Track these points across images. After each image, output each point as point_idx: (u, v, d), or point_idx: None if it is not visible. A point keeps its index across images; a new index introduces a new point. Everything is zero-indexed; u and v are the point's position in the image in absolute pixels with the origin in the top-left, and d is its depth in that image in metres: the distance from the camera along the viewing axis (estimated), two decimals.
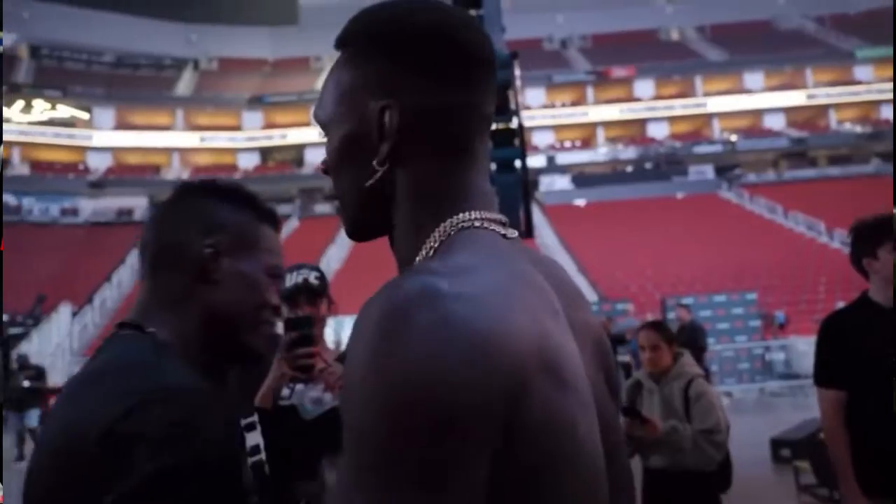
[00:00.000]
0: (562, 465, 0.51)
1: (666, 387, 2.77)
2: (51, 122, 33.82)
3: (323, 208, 32.18)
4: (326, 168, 0.67)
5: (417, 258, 0.60)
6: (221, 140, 36.52)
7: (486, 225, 0.61)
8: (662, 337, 2.83)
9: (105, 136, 34.86)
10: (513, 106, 7.48)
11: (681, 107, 36.19)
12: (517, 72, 7.87)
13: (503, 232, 0.62)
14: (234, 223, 0.86)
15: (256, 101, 36.92)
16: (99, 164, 34.60)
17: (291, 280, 1.87)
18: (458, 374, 0.47)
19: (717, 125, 36.03)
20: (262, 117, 37.19)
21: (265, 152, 37.16)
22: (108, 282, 24.98)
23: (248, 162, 36.56)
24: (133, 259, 28.71)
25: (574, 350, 0.56)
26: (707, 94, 36.13)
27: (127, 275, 26.67)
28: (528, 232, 7.52)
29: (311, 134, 36.48)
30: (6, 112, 32.71)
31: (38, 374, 9.79)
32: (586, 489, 0.53)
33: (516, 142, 7.44)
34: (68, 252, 27.58)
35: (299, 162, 36.82)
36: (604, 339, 0.68)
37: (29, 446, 9.31)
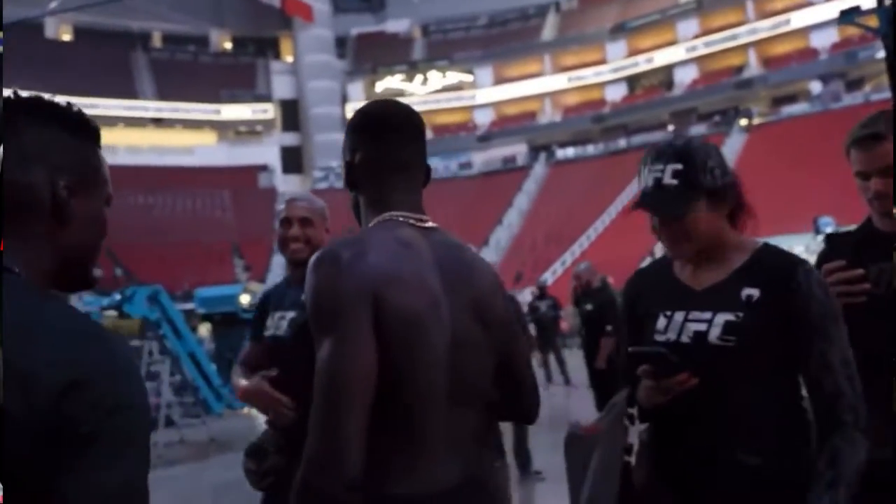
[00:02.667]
0: (412, 331, 1.03)
1: None
2: (443, 90, 38.55)
3: (698, 129, 30.15)
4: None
5: None
6: (587, 76, 36.84)
7: (399, 219, 1.13)
8: None
9: (486, 93, 38.30)
10: None
11: None
12: None
13: (414, 223, 1.14)
14: (79, 158, 0.84)
15: (619, 30, 36.11)
16: (484, 119, 38.29)
17: None
18: (336, 282, 1.02)
19: None
20: (625, 46, 36.28)
21: (631, 81, 36.28)
22: (499, 224, 27.75)
23: (615, 94, 36.23)
24: (520, 202, 31.29)
25: (427, 280, 1.07)
26: None
27: (515, 216, 29.22)
28: None
29: (678, 52, 34.23)
30: (410, 87, 38.39)
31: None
32: (431, 350, 1.05)
33: None
34: (466, 200, 31.38)
35: (668, 84, 35.01)
36: (483, 292, 1.14)
37: None
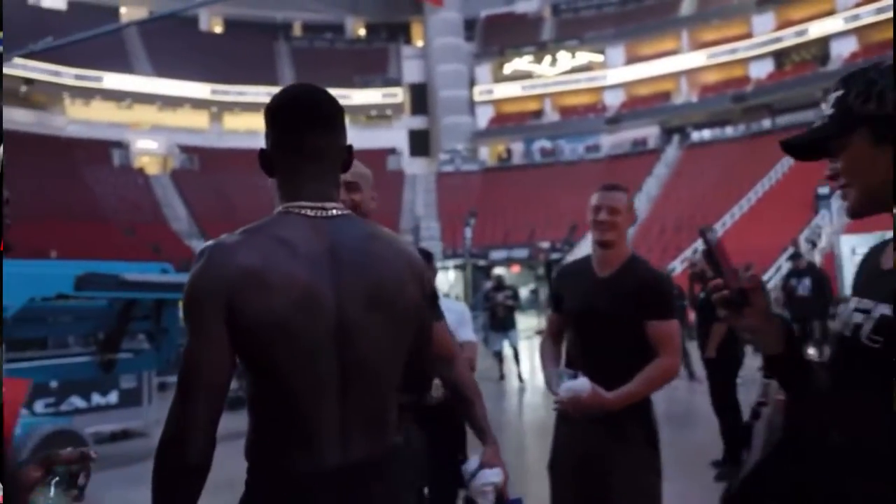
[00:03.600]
0: (276, 329, 1.06)
1: None
2: (572, 70, 37.64)
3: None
4: None
5: None
6: (729, 53, 34.47)
7: (292, 210, 1.15)
8: None
9: (617, 73, 36.94)
10: None
11: None
12: None
13: (311, 214, 1.15)
14: None
15: (766, 1, 33.41)
16: (614, 100, 37.00)
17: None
18: (197, 279, 1.08)
19: None
20: (773, 17, 33.52)
21: (780, 56, 33.50)
22: None
23: (759, 70, 33.64)
24: (649, 186, 30.06)
25: (298, 276, 1.09)
26: None
27: (643, 202, 28.10)
28: None
29: (836, 23, 31.15)
30: (538, 68, 37.83)
31: (514, 294, 10.92)
32: (306, 343, 1.08)
33: None
34: (593, 184, 30.49)
35: (822, 59, 31.99)
36: (384, 279, 1.16)
37: (507, 367, 10.36)
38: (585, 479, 2.18)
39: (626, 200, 2.28)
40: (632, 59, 36.72)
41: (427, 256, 3.44)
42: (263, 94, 36.41)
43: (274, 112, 1.18)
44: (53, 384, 6.37)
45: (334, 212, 1.17)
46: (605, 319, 2.20)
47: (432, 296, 1.71)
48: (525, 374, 10.03)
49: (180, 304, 1.21)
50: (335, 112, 1.21)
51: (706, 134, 33.21)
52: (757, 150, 27.69)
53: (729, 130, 32.72)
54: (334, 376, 1.09)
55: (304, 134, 1.16)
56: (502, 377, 10.16)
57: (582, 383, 2.11)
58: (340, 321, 1.09)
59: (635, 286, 2.19)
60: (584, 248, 22.02)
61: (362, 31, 41.95)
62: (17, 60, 28.44)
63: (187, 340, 1.08)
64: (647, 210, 27.83)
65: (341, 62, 37.92)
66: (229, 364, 1.08)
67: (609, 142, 35.51)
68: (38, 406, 6.34)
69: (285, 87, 1.23)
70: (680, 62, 35.39)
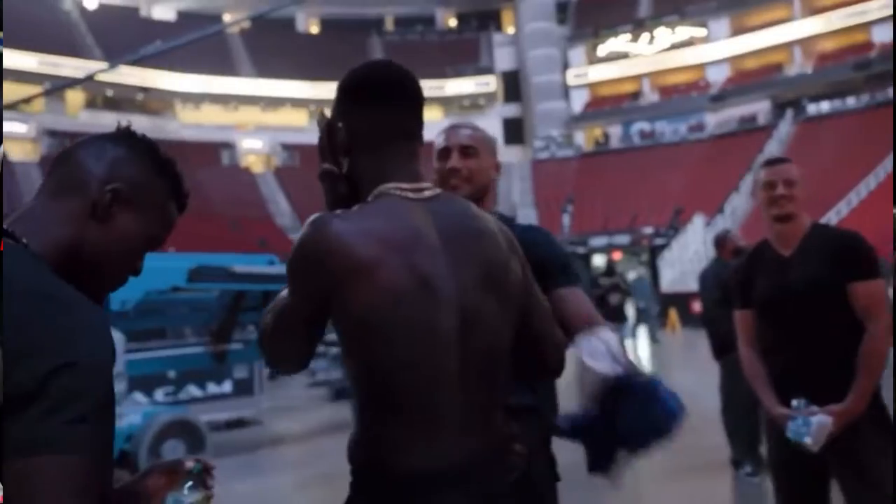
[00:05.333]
0: (387, 320, 0.99)
1: None
2: (671, 47, 35.94)
3: None
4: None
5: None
6: (849, 17, 31.73)
7: (392, 191, 1.07)
8: None
9: (722, 47, 34.93)
10: None
11: None
12: None
13: (412, 196, 1.08)
14: (137, 178, 0.92)
15: None
16: (718, 76, 35.02)
17: None
18: (303, 247, 1.03)
19: None
20: None
21: None
22: (736, 191, 25.32)
23: (884, 35, 30.74)
24: (759, 165, 28.17)
25: (418, 263, 1.01)
26: None
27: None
28: None
29: None
30: (635, 47, 36.40)
31: (625, 281, 10.32)
32: (431, 335, 1.01)
33: None
34: (697, 166, 29.11)
35: None
36: (495, 259, 1.09)
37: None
38: (818, 474, 2.08)
39: (797, 170, 2.19)
40: (737, 31, 34.59)
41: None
42: None
43: (358, 92, 1.11)
44: (171, 374, 6.62)
45: (428, 192, 1.10)
46: (805, 299, 2.02)
47: (564, 262, 1.60)
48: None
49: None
50: (419, 91, 1.15)
51: (824, 106, 30.76)
52: (883, 121, 25.34)
53: (850, 101, 30.13)
54: (455, 366, 1.02)
55: (402, 111, 1.11)
56: None
57: (824, 420, 1.94)
58: (461, 306, 1.02)
59: (830, 250, 2.04)
60: (692, 232, 20.96)
61: (453, 22, 41.87)
62: (133, 70, 30.37)
63: (281, 294, 1.10)
64: None
65: (433, 53, 38.01)
66: (315, 325, 1.07)
67: (714, 120, 33.66)
68: (158, 395, 6.61)
69: (361, 67, 1.14)
70: (792, 30, 32.96)
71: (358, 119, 1.10)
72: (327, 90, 36.52)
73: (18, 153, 29.00)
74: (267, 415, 7.57)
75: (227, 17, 36.76)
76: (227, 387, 7.09)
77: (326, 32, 39.73)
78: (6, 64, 29.41)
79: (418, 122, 1.14)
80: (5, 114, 26.18)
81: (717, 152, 30.12)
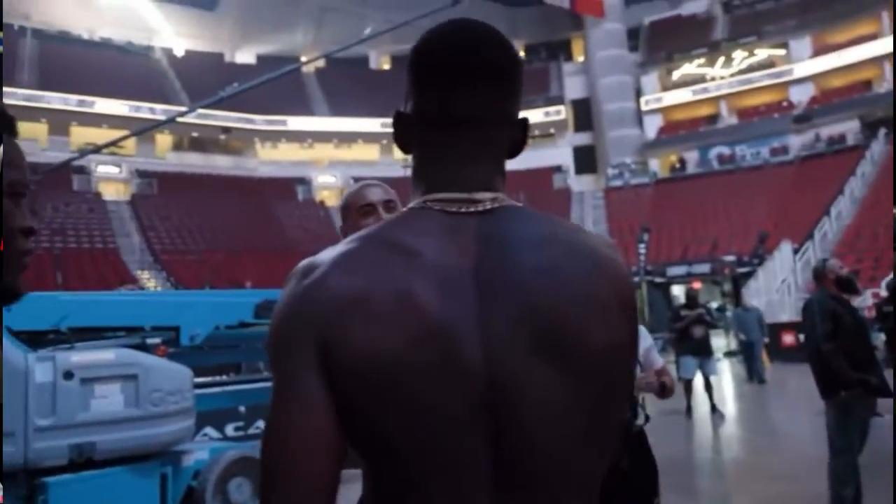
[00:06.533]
0: (376, 386, 0.68)
1: None
2: (749, 69, 34.77)
3: None
4: None
5: None
6: None
7: (428, 206, 0.77)
8: None
9: (805, 66, 33.52)
10: None
11: None
12: None
13: (453, 209, 0.76)
14: None
15: None
16: (801, 96, 33.55)
17: None
18: (281, 313, 0.74)
19: None
20: None
21: None
22: (826, 215, 23.91)
23: None
24: (853, 187, 26.64)
25: (421, 304, 0.69)
26: None
27: (846, 205, 24.93)
28: None
29: None
30: (711, 71, 35.41)
31: (709, 312, 9.59)
32: (421, 425, 0.68)
33: None
34: (783, 190, 27.74)
35: None
36: (569, 307, 0.71)
37: (698, 396, 8.73)
38: None
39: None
40: (820, 50, 33.14)
41: None
42: None
43: (413, 59, 0.80)
44: (241, 408, 6.62)
45: (488, 204, 0.76)
46: None
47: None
48: (719, 404, 8.90)
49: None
50: (505, 60, 0.78)
51: None
52: None
53: None
54: (480, 462, 0.68)
55: (451, 90, 0.76)
56: (690, 411, 8.73)
57: None
58: (490, 376, 0.68)
59: None
60: (779, 260, 19.85)
61: (521, 53, 42.06)
62: (215, 112, 31.84)
63: (271, 404, 0.72)
64: (853, 214, 24.62)
65: None
66: (334, 439, 0.69)
67: (798, 142, 32.13)
68: (229, 429, 6.61)
69: (431, 30, 0.81)
70: (881, 46, 31.28)
71: (415, 102, 0.80)
72: None
73: (112, 193, 30.80)
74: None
75: (303, 58, 38.31)
76: None
77: (397, 69, 40.67)
78: (100, 110, 31.51)
79: (493, 106, 0.78)
80: (100, 157, 27.86)
81: (803, 175, 28.67)
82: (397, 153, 37.98)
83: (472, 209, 0.75)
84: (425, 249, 0.72)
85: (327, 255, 0.75)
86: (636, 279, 27.12)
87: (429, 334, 0.68)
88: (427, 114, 0.78)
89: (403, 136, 0.82)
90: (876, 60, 31.48)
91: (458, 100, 0.77)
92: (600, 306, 0.71)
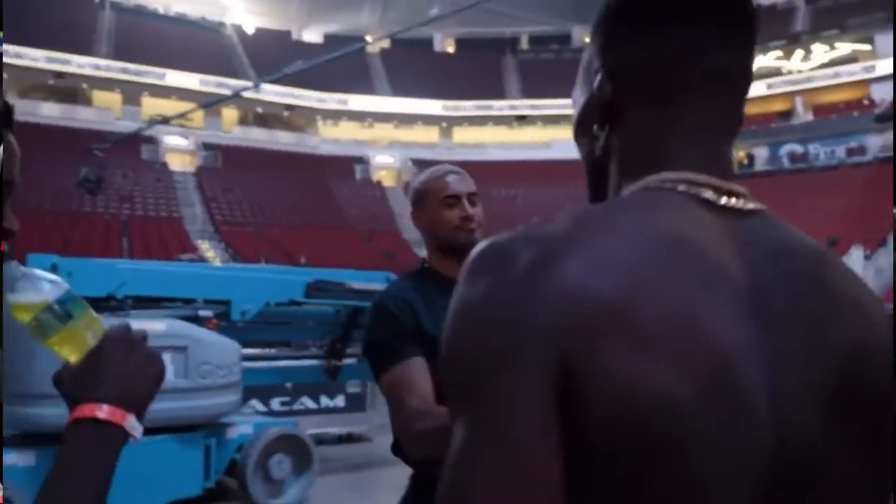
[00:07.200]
0: (640, 453, 0.45)
1: None
2: (830, 63, 33.12)
3: None
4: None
5: None
6: None
7: (679, 187, 0.55)
8: None
9: (890, 63, 31.68)
10: None
11: None
12: None
13: (712, 197, 0.55)
14: None
15: None
16: (885, 94, 31.72)
17: None
18: (501, 308, 0.48)
19: None
20: None
21: None
22: None
23: None
24: None
25: (711, 325, 0.48)
26: None
27: None
28: None
29: None
30: (787, 64, 33.88)
31: None
32: (693, 487, 0.46)
33: None
34: (857, 192, 26.43)
35: None
36: (861, 347, 0.53)
37: None
38: None
39: None
40: None
41: None
42: (490, 107, 37.39)
43: (631, 9, 0.60)
44: (287, 385, 6.71)
45: (751, 203, 0.57)
46: None
47: None
48: None
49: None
50: (753, 16, 0.59)
51: None
52: None
53: None
54: None
55: (704, 46, 0.57)
56: None
57: None
58: (783, 441, 0.48)
59: None
60: (849, 264, 18.91)
61: (588, 40, 41.11)
62: (280, 88, 32.34)
63: (462, 443, 0.47)
64: None
65: (568, 72, 37.20)
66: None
67: (878, 143, 30.48)
68: (275, 403, 6.72)
69: None
70: None
71: (626, 53, 0.59)
72: (459, 107, 37.07)
73: (178, 164, 31.76)
74: (377, 431, 7.52)
75: (368, 39, 38.51)
76: (339, 401, 7.10)
77: (461, 51, 40.38)
78: (171, 82, 32.44)
79: (741, 65, 0.59)
80: (169, 128, 28.72)
81: (881, 178, 27.22)
82: (457, 136, 37.86)
83: (731, 203, 0.55)
84: (696, 248, 0.51)
85: (553, 235, 0.50)
86: None
87: (721, 379, 0.47)
88: (654, 69, 0.58)
89: (606, 106, 0.60)
90: None
91: (707, 53, 0.57)
92: (886, 346, 0.54)
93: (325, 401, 7.01)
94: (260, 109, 35.37)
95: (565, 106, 38.61)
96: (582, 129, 0.64)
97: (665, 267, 0.49)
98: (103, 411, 0.70)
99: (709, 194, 0.55)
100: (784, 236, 0.56)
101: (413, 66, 37.20)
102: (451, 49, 41.40)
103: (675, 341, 0.46)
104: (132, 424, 0.73)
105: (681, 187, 0.55)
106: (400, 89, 36.94)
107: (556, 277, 0.47)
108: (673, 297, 0.47)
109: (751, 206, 0.56)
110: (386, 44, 35.57)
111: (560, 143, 36.75)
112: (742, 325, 0.49)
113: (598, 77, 0.61)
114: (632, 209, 0.54)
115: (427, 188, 1.60)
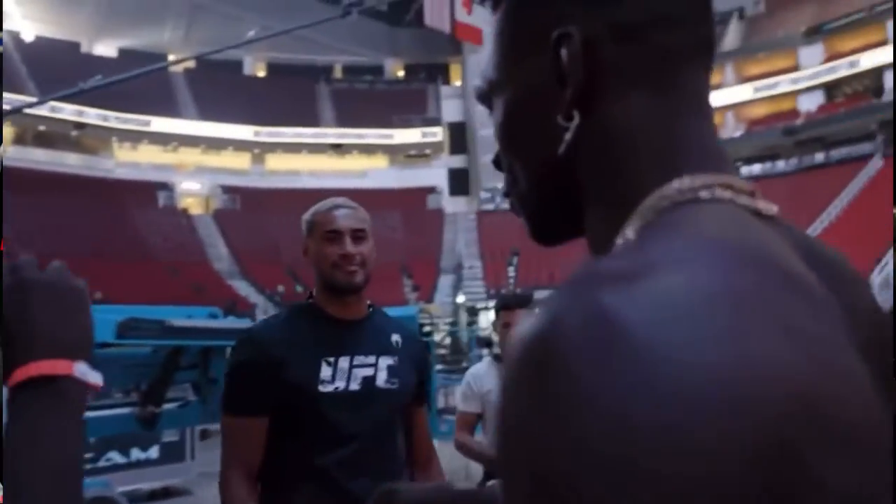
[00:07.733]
0: None
1: None
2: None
3: None
4: (497, 157, 0.51)
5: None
6: (777, 85, 33.60)
7: (719, 195, 0.39)
8: None
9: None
10: None
11: None
12: None
13: (753, 205, 0.40)
14: None
15: (814, 32, 32.62)
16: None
17: None
18: (665, 442, 0.26)
19: None
20: (822, 49, 32.65)
21: (830, 88, 32.51)
22: None
23: (809, 103, 32.65)
24: None
25: (861, 382, 0.31)
26: None
27: None
28: None
29: (889, 53, 30.15)
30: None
31: None
32: None
33: None
34: (778, 202, 29.73)
35: (877, 91, 30.95)
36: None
37: None
38: None
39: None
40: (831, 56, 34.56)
41: (525, 300, 2.85)
42: (305, 135, 36.85)
43: None
44: (91, 439, 5.90)
45: (773, 206, 0.43)
46: None
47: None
48: None
49: None
50: None
51: (756, 169, 32.15)
52: (812, 184, 26.68)
53: (781, 164, 31.62)
54: None
55: (693, 15, 0.45)
56: None
57: None
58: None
59: None
60: None
61: (401, 73, 42.35)
62: (69, 105, 29.22)
63: None
64: None
65: (381, 103, 38.17)
66: None
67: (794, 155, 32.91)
68: None
69: None
70: (725, 96, 34.64)
71: (605, 20, 0.43)
72: (272, 134, 36.09)
73: None
74: (198, 483, 6.86)
75: (171, 57, 36.17)
76: (153, 452, 6.38)
77: (273, 76, 39.43)
78: None
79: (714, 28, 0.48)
80: None
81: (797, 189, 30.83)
82: (270, 163, 36.67)
83: (766, 209, 0.41)
84: (794, 274, 0.35)
85: (684, 297, 0.30)
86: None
87: (883, 460, 0.30)
88: (648, 33, 0.43)
89: (589, 78, 0.43)
90: (720, 109, 34.75)
91: (696, 9, 0.45)
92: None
93: (136, 453, 6.26)
94: (42, 127, 31.56)
95: (381, 136, 39.28)
96: (524, 123, 0.47)
97: (801, 312, 0.32)
98: (46, 366, 0.59)
99: (742, 200, 0.40)
100: (812, 241, 0.45)
101: (221, 89, 35.60)
102: (261, 73, 40.26)
103: (858, 420, 0.30)
104: (84, 370, 0.61)
105: (709, 195, 0.39)
106: (208, 112, 35.10)
107: (755, 358, 0.28)
108: (828, 355, 0.31)
109: (774, 209, 0.43)
110: (191, 63, 33.69)
111: (375, 173, 37.20)
112: (867, 368, 0.33)
113: (565, 49, 0.43)
114: (721, 238, 0.35)
115: (313, 220, 1.55)
